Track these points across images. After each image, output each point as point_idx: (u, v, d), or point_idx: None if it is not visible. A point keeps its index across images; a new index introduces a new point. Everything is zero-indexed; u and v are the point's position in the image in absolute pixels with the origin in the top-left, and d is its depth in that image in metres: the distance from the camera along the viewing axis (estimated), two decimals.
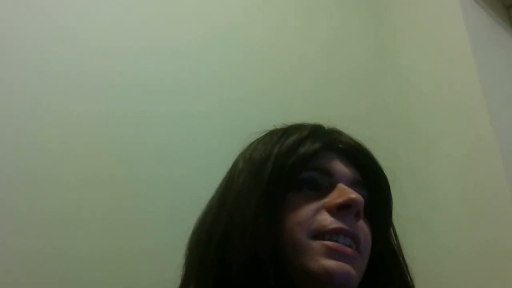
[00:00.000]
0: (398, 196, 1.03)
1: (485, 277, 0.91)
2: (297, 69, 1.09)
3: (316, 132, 0.59)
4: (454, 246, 0.98)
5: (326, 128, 0.63)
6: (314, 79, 1.10)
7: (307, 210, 0.53)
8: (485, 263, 0.92)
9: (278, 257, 0.51)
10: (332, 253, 0.50)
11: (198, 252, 0.57)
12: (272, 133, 0.62)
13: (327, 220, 0.52)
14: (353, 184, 0.57)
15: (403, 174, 1.10)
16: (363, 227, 0.55)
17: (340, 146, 0.59)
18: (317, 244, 0.51)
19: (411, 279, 0.61)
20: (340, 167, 0.57)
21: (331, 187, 0.55)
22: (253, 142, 0.63)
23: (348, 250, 0.51)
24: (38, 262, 0.69)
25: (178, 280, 0.59)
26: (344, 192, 0.54)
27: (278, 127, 0.63)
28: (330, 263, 0.50)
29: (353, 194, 0.53)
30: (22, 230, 0.70)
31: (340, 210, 0.53)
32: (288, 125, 0.63)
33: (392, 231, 0.63)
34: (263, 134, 0.63)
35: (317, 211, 0.53)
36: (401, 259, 0.62)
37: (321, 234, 0.51)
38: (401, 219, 1.01)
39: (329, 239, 0.51)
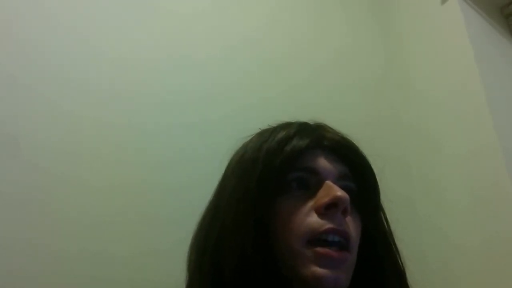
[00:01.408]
0: (408, 199, 1.07)
1: (492, 273, 0.93)
2: (310, 78, 1.11)
3: (301, 130, 0.59)
4: (462, 243, 0.99)
5: (313, 124, 0.62)
6: (326, 88, 1.12)
7: (297, 214, 0.53)
8: (491, 260, 0.93)
9: (271, 260, 0.51)
10: (321, 260, 0.51)
11: (197, 257, 0.58)
12: (260, 134, 0.62)
13: (317, 222, 0.52)
14: (340, 179, 0.57)
15: (413, 178, 1.13)
16: (352, 221, 0.55)
17: (325, 143, 0.58)
18: (308, 251, 0.51)
19: (402, 264, 0.61)
20: (325, 164, 0.57)
21: (319, 185, 0.55)
22: (243, 144, 0.63)
23: (337, 254, 0.51)
24: (68, 261, 0.72)
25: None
26: (330, 191, 0.53)
27: (266, 127, 0.64)
28: (320, 271, 0.50)
29: (339, 192, 0.53)
30: (53, 231, 0.73)
31: (328, 209, 0.53)
32: (276, 125, 0.63)
33: (383, 217, 0.62)
34: (253, 135, 0.64)
35: (307, 214, 0.53)
36: (392, 245, 0.61)
37: (312, 237, 0.52)
38: (412, 221, 1.05)
39: (319, 239, 0.52)
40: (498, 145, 0.95)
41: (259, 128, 0.64)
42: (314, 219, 0.53)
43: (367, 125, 1.11)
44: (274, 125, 0.63)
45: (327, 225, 0.52)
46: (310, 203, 0.54)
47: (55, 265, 0.71)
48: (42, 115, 0.79)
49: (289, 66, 1.10)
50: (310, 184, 0.56)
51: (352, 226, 0.55)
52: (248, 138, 0.64)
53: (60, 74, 0.83)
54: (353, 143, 0.62)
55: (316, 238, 0.52)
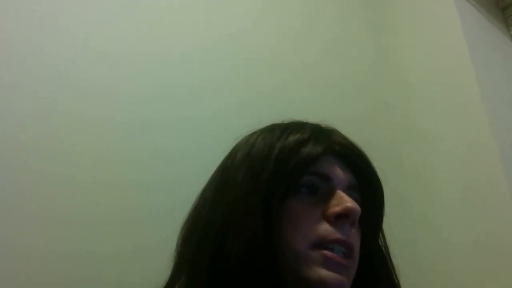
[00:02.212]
0: (401, 196, 1.06)
1: (486, 272, 0.92)
2: (301, 73, 1.10)
3: (316, 134, 0.58)
4: (456, 242, 0.99)
5: (325, 128, 0.62)
6: (317, 83, 1.11)
7: (306, 218, 0.53)
8: (486, 259, 0.93)
9: (275, 262, 0.51)
10: (329, 264, 0.51)
11: (192, 246, 0.56)
12: (271, 129, 0.61)
13: (326, 230, 0.52)
14: (348, 189, 0.57)
15: (406, 174, 1.12)
16: (355, 233, 0.55)
17: (337, 148, 0.58)
18: (315, 254, 0.51)
19: (397, 280, 0.61)
20: (338, 172, 0.57)
21: (328, 193, 0.55)
22: (252, 135, 0.62)
23: (344, 260, 0.52)
24: (52, 261, 0.70)
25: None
26: (342, 201, 0.54)
27: (277, 122, 0.62)
28: (326, 274, 0.50)
29: (351, 204, 0.53)
30: (37, 230, 0.71)
31: (338, 219, 0.53)
32: (287, 122, 0.62)
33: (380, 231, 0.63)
34: (262, 128, 0.62)
35: (317, 220, 0.53)
36: (388, 260, 0.62)
37: (319, 244, 0.52)
38: (405, 218, 1.04)
39: (326, 248, 0.52)
40: (493, 141, 0.95)
41: (272, 123, 0.63)
42: (323, 227, 0.53)
43: (359, 120, 1.10)
44: (285, 123, 0.62)
45: (336, 234, 0.52)
46: (320, 210, 0.54)
47: (40, 265, 0.70)
48: (25, 111, 0.77)
49: (279, 60, 1.09)
50: (320, 190, 0.56)
51: (356, 237, 0.55)
52: (251, 132, 0.63)
53: (43, 70, 0.81)
54: (363, 152, 0.61)
55: (323, 244, 0.52)
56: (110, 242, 0.76)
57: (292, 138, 0.57)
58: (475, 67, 1.01)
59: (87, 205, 0.77)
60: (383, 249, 0.62)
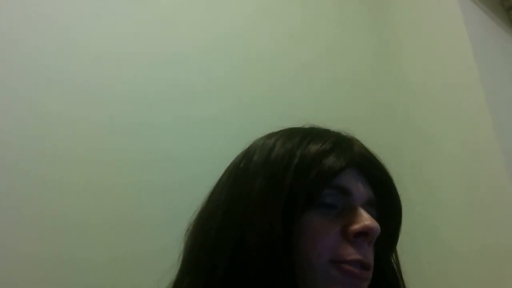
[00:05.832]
0: (402, 199, 1.05)
1: (489, 278, 0.91)
2: (301, 73, 1.09)
3: (339, 145, 0.56)
4: (459, 247, 0.98)
5: (346, 138, 0.60)
6: (317, 83, 1.10)
7: (324, 234, 0.52)
8: (489, 265, 0.92)
9: (292, 275, 0.50)
10: (345, 278, 0.50)
11: (204, 253, 0.54)
12: (291, 134, 0.58)
13: (344, 249, 0.51)
14: (366, 204, 0.56)
15: (407, 176, 1.10)
16: (372, 251, 0.55)
17: (358, 160, 0.57)
18: (332, 270, 0.51)
19: None
20: (358, 187, 0.56)
21: (348, 208, 0.54)
22: (268, 137, 0.59)
23: (363, 274, 0.51)
24: (42, 267, 0.69)
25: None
26: (362, 218, 0.53)
27: (297, 126, 0.61)
28: None
29: (371, 222, 0.52)
30: (27, 235, 0.70)
31: (356, 237, 0.52)
32: (307, 127, 0.60)
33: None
34: (279, 131, 0.60)
35: (334, 237, 0.52)
36: (399, 278, 0.61)
37: (335, 260, 0.51)
38: (406, 222, 1.02)
39: (343, 261, 0.51)
40: (497, 144, 0.93)
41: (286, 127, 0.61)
42: (341, 245, 0.52)
43: (360, 121, 1.07)
44: (305, 128, 0.60)
45: (355, 255, 0.51)
46: (339, 226, 0.53)
47: (32, 270, 0.69)
48: (17, 114, 0.76)
49: (279, 61, 1.08)
50: (339, 204, 0.54)
51: (372, 255, 0.54)
52: (267, 134, 0.60)
53: (36, 70, 0.80)
54: (384, 165, 0.60)
55: (341, 261, 0.51)
56: (106, 248, 0.75)
57: (314, 147, 0.55)
58: (479, 68, 1.00)
59: (83, 210, 0.76)
60: (395, 266, 0.61)
